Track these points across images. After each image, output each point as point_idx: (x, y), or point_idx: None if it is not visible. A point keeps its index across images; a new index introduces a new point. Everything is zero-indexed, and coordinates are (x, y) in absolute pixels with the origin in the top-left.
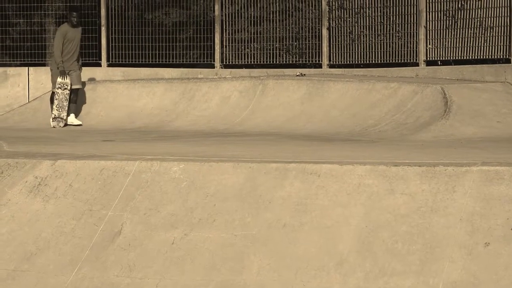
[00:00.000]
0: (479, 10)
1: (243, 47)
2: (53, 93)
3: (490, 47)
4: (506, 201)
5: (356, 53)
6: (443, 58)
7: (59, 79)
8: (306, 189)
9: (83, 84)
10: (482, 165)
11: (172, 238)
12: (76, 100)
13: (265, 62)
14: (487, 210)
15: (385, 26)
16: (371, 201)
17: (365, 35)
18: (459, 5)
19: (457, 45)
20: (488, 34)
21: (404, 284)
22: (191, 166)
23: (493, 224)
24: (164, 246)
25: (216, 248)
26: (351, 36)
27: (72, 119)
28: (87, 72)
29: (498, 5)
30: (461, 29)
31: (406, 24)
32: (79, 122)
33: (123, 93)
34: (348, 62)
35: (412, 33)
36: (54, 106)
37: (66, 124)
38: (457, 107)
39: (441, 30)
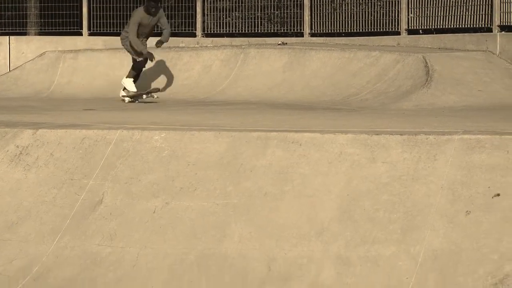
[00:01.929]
0: None
1: (224, 16)
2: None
3: (472, 16)
4: (487, 170)
5: (338, 22)
6: (425, 27)
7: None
8: (287, 157)
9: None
10: (464, 134)
11: (153, 207)
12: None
13: (246, 31)
14: (468, 179)
15: None
16: (352, 170)
17: (346, 4)
18: None
19: (439, 14)
20: (470, 3)
21: (385, 252)
22: (173, 135)
23: (474, 193)
24: (146, 215)
25: (197, 217)
26: (332, 5)
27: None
28: (68, 41)
29: None
30: None
31: None
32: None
33: (104, 62)
34: (329, 31)
35: (393, 2)
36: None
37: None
38: (439, 75)
39: None
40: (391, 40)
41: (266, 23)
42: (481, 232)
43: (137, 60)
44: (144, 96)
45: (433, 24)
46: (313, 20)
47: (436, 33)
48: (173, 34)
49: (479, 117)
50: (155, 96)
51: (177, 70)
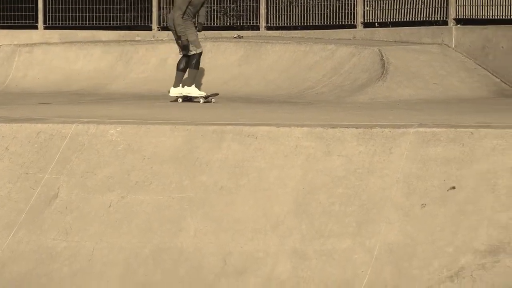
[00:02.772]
0: None
1: None
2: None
3: (427, 9)
4: (442, 163)
5: (294, 15)
6: (381, 20)
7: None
8: (243, 151)
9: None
10: (419, 127)
11: (109, 201)
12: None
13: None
14: (423, 172)
15: None
16: (308, 163)
17: None
18: None
19: (395, 7)
20: None
21: (341, 245)
22: (128, 129)
23: (430, 186)
24: (101, 209)
25: (153, 211)
26: None
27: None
28: (23, 35)
29: None
30: None
31: None
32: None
33: (60, 56)
34: (285, 24)
35: None
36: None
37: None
38: (394, 69)
39: None
40: (347, 33)
41: (222, 17)
42: (436, 225)
43: (197, 52)
44: (201, 100)
45: (389, 17)
46: (269, 13)
47: (392, 26)
48: (129, 28)
49: (435, 110)
50: (213, 101)
51: (133, 63)
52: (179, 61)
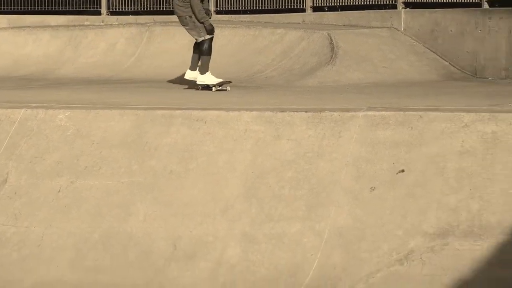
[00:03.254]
0: None
1: None
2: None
3: None
4: (391, 146)
5: None
6: (330, 4)
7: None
8: (192, 135)
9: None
10: (368, 110)
11: (58, 186)
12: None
13: (152, 9)
14: (372, 155)
15: None
16: (257, 147)
17: None
18: None
19: None
20: None
21: (291, 229)
22: (77, 114)
23: (379, 169)
24: (50, 194)
25: (102, 196)
26: None
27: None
28: None
29: None
30: None
31: None
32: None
33: (9, 41)
34: (235, 9)
35: None
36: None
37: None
38: (344, 52)
39: None
40: (297, 17)
41: (171, 1)
42: (385, 208)
43: (204, 39)
44: (214, 88)
45: (338, 1)
46: None
47: (341, 10)
48: (78, 12)
49: (384, 94)
50: (228, 88)
51: (82, 48)
52: (194, 43)
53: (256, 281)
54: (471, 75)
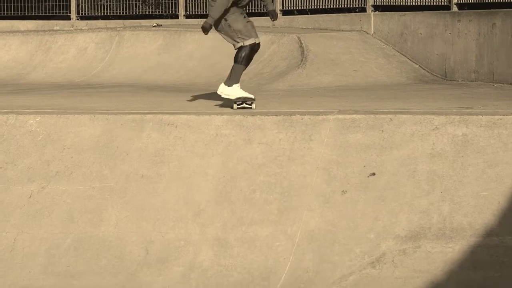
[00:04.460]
0: None
1: None
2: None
3: None
4: (362, 149)
5: None
6: (299, 8)
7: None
8: (163, 140)
9: None
10: (339, 114)
11: (29, 192)
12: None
13: (121, 13)
14: (344, 158)
15: None
16: (228, 151)
17: None
18: None
19: None
20: None
21: (263, 233)
22: (48, 119)
23: (350, 172)
24: (21, 199)
25: (73, 201)
26: None
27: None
28: None
29: None
30: None
31: None
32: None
33: None
34: (205, 13)
35: None
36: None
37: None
38: (314, 56)
39: None
40: (266, 21)
41: (141, 5)
42: (357, 211)
43: (245, 44)
44: (235, 105)
45: (308, 4)
46: (188, 1)
47: (310, 14)
48: (47, 17)
49: (354, 97)
50: (253, 106)
51: (52, 53)
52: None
53: (228, 285)
54: (441, 78)
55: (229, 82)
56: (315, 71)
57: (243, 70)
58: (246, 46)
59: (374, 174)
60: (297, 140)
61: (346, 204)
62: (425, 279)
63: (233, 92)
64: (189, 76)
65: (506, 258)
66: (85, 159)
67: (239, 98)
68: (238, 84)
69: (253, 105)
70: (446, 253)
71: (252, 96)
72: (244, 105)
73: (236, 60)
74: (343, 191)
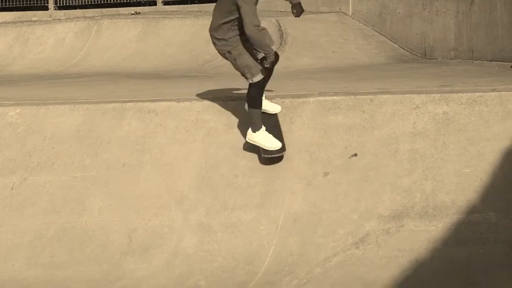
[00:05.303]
0: None
1: None
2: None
3: None
4: (343, 130)
5: None
6: None
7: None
8: (144, 128)
9: None
10: (319, 96)
11: (11, 184)
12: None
13: (99, 2)
14: (325, 140)
15: None
16: (209, 137)
17: None
18: None
19: None
20: None
21: (246, 217)
22: (28, 110)
23: (332, 154)
24: (4, 192)
25: (56, 191)
26: None
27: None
28: None
29: None
30: None
31: None
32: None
33: None
34: None
35: None
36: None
37: None
38: (292, 39)
39: None
40: None
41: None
42: (339, 192)
43: (254, 80)
44: (263, 154)
45: None
46: None
47: None
48: (25, 8)
49: (334, 79)
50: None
51: (31, 44)
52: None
53: (213, 270)
54: (421, 57)
55: (253, 127)
56: (294, 54)
57: (260, 113)
58: (257, 83)
59: (356, 155)
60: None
61: (329, 185)
62: (409, 258)
63: (259, 139)
64: (168, 63)
65: (490, 235)
66: (66, 149)
67: (269, 151)
68: (263, 129)
69: (284, 154)
70: (429, 231)
71: (280, 145)
72: (275, 154)
73: (247, 101)
74: (325, 172)
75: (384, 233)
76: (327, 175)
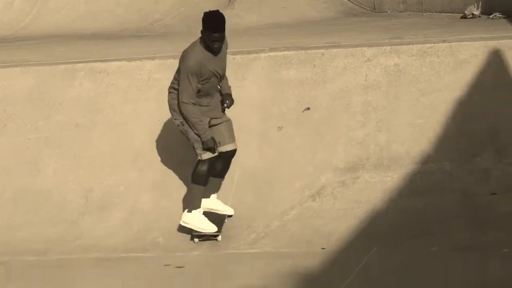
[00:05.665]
0: None
1: None
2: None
3: None
4: (295, 85)
5: None
6: None
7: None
8: (95, 88)
9: None
10: (270, 51)
11: None
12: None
13: None
14: (278, 95)
15: None
16: (162, 95)
17: None
18: None
19: None
20: None
21: None
22: None
23: (285, 109)
24: None
25: (9, 154)
26: None
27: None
28: None
29: None
30: None
31: None
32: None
33: None
34: None
35: None
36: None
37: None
38: None
39: None
40: None
41: None
42: (294, 147)
43: (202, 158)
44: (196, 239)
45: None
46: None
47: None
48: None
49: (285, 34)
50: (219, 238)
51: None
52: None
53: (170, 227)
54: (370, 10)
55: (189, 207)
56: (243, 11)
57: (202, 191)
58: (205, 160)
59: (308, 108)
60: (230, 80)
61: (283, 140)
62: (365, 209)
63: (193, 221)
64: (117, 23)
65: (445, 184)
66: (18, 111)
67: (200, 233)
68: (199, 210)
69: (219, 237)
70: (385, 182)
71: (215, 230)
72: (209, 237)
73: (191, 175)
74: (279, 127)
75: (340, 185)
76: (280, 129)
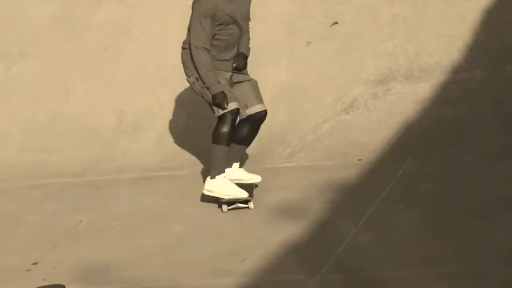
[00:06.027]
0: None
1: None
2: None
3: None
4: (321, 0)
5: None
6: None
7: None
8: (123, 11)
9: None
10: None
11: None
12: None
13: None
14: (304, 11)
15: None
16: (188, 16)
17: None
18: None
19: None
20: None
21: None
22: (2, 0)
23: (312, 24)
24: None
25: (40, 79)
26: None
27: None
28: None
29: None
30: None
31: None
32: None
33: None
34: None
35: None
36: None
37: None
38: None
39: None
40: None
41: None
42: (324, 61)
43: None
44: (224, 206)
45: None
46: None
47: None
48: None
49: None
50: (251, 205)
51: None
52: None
53: (202, 145)
54: None
55: (212, 172)
56: None
57: (225, 153)
58: (226, 115)
59: (336, 23)
60: None
61: (312, 55)
62: (399, 120)
63: (217, 187)
64: None
65: (476, 92)
66: (47, 37)
67: (232, 198)
68: (223, 175)
69: (251, 204)
70: (417, 93)
71: (245, 195)
72: (238, 205)
73: (212, 137)
74: (308, 42)
75: (372, 97)
76: (309, 44)
